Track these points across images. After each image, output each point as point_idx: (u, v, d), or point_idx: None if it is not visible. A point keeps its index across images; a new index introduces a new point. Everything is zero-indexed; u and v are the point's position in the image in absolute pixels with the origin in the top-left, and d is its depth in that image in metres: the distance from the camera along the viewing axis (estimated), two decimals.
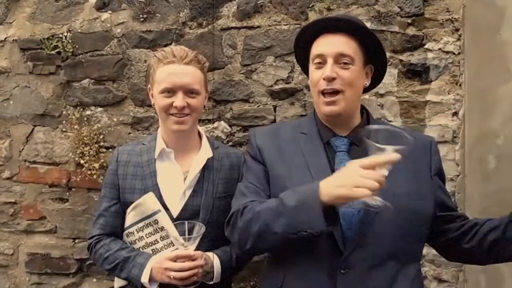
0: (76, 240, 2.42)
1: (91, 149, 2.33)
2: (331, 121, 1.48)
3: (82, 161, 2.33)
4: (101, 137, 2.35)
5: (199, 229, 1.55)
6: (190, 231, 1.55)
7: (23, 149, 2.48)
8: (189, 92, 1.64)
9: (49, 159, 2.44)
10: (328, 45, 1.42)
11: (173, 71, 1.63)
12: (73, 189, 2.42)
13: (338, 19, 1.45)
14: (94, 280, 2.40)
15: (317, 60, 1.44)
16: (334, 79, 1.39)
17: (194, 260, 1.54)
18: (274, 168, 1.47)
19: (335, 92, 1.40)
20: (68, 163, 2.41)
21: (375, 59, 1.49)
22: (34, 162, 2.46)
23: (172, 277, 1.52)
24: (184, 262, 1.53)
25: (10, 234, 2.50)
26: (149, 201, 1.65)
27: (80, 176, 2.37)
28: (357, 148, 1.45)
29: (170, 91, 1.63)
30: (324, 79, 1.40)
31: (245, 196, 1.47)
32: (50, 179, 2.44)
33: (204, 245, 1.62)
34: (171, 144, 1.71)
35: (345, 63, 1.40)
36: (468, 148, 2.03)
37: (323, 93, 1.42)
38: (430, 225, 1.44)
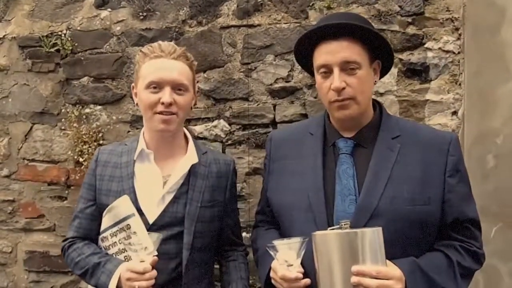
0: None
1: (90, 147, 2.32)
2: (341, 124, 1.46)
3: (81, 159, 2.33)
4: (100, 135, 2.35)
5: (156, 239, 1.46)
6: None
7: (21, 147, 2.47)
8: (177, 88, 1.54)
9: (48, 157, 2.43)
10: (331, 53, 1.37)
11: (160, 65, 1.53)
12: (72, 187, 2.41)
13: (336, 25, 1.38)
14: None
15: (322, 70, 1.40)
16: (343, 88, 1.36)
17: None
18: (276, 176, 1.55)
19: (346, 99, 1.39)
20: (67, 161, 2.41)
21: (379, 52, 1.44)
22: (33, 160, 2.46)
23: (137, 286, 1.41)
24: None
25: (8, 232, 2.49)
26: (123, 204, 1.54)
27: (79, 174, 2.36)
28: (362, 149, 1.44)
29: (157, 86, 1.52)
30: (333, 90, 1.37)
31: (259, 202, 1.68)
32: (49, 177, 2.43)
33: (191, 256, 1.55)
34: (153, 145, 1.60)
35: (352, 69, 1.37)
36: (467, 148, 2.03)
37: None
38: (436, 230, 1.41)
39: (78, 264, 1.58)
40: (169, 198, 1.57)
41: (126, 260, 1.54)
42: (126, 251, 1.54)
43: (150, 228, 1.53)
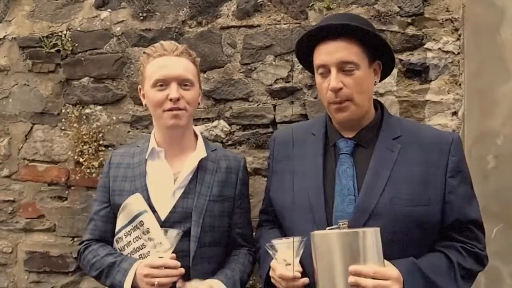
0: (75, 239, 2.41)
1: (90, 147, 2.33)
2: (342, 124, 1.47)
3: (81, 160, 2.33)
4: (100, 135, 2.35)
5: (176, 235, 1.47)
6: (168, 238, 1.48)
7: (22, 147, 2.47)
8: (183, 83, 1.57)
9: (48, 158, 2.44)
10: (329, 54, 1.37)
11: (164, 63, 1.57)
12: (72, 188, 2.42)
13: (334, 26, 1.38)
14: (93, 278, 2.40)
15: (320, 70, 1.41)
16: (340, 89, 1.37)
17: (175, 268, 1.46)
18: (278, 176, 1.56)
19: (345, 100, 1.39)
20: (67, 162, 2.41)
21: (380, 52, 1.44)
22: (33, 161, 2.46)
23: (156, 283, 1.43)
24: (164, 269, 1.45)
25: (8, 233, 2.49)
26: (135, 202, 1.57)
27: (79, 175, 2.37)
28: (363, 149, 1.44)
29: (163, 84, 1.55)
30: (330, 90, 1.38)
31: (263, 201, 1.68)
32: (49, 177, 2.44)
33: (200, 250, 1.55)
34: (164, 143, 1.63)
35: (349, 70, 1.37)
36: (467, 148, 2.03)
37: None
38: (437, 231, 1.41)
39: (94, 266, 1.60)
40: (179, 194, 1.59)
41: (141, 258, 1.55)
42: (141, 249, 1.56)
43: (163, 225, 1.54)
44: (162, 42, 1.65)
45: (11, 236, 2.50)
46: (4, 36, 2.47)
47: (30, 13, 2.45)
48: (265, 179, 2.20)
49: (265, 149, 2.21)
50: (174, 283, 1.48)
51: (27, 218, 2.47)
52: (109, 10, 2.37)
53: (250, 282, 2.21)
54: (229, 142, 2.26)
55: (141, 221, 1.55)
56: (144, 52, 1.65)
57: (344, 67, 1.37)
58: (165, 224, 1.54)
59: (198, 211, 1.57)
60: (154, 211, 1.56)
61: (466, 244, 1.42)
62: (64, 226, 2.42)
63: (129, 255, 1.59)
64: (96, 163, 2.31)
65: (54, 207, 2.44)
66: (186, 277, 1.52)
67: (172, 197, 1.58)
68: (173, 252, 1.47)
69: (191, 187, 1.59)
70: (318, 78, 1.44)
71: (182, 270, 1.46)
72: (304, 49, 1.48)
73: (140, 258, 1.56)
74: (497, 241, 1.98)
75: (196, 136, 1.70)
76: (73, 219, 2.41)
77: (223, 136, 2.26)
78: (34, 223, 2.47)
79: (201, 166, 1.62)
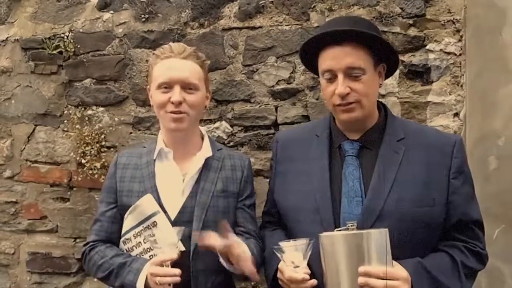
0: (77, 240, 2.42)
1: (92, 148, 2.33)
2: (347, 126, 1.47)
3: (83, 161, 2.33)
4: (102, 136, 2.36)
5: (179, 231, 1.47)
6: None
7: (24, 148, 2.48)
8: (187, 87, 1.56)
9: (50, 159, 2.44)
10: (335, 59, 1.38)
11: (170, 65, 1.57)
12: (74, 189, 2.42)
13: (340, 31, 1.38)
14: (95, 279, 2.39)
15: (326, 75, 1.41)
16: (347, 94, 1.37)
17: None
18: (282, 178, 1.56)
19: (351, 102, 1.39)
20: (69, 163, 2.42)
21: (384, 54, 1.44)
22: (36, 162, 2.47)
23: (157, 282, 1.43)
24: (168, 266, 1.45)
25: (11, 234, 2.50)
26: (146, 203, 1.57)
27: (81, 176, 2.37)
28: (368, 151, 1.44)
29: (167, 86, 1.55)
30: (337, 95, 1.38)
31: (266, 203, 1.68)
32: (51, 178, 2.44)
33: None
34: (170, 144, 1.64)
35: (356, 74, 1.37)
36: (469, 149, 2.03)
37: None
38: (441, 231, 1.42)
39: (101, 267, 1.58)
40: (187, 193, 1.60)
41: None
42: (152, 249, 1.55)
43: (174, 225, 1.54)
44: (171, 43, 1.64)
45: (13, 237, 2.50)
46: (7, 38, 2.48)
47: (33, 14, 2.46)
48: (267, 180, 2.21)
49: (266, 150, 2.22)
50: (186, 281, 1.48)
51: (29, 219, 2.48)
52: (111, 11, 2.38)
53: (252, 283, 2.21)
54: (231, 144, 2.27)
55: (154, 221, 1.55)
56: (153, 53, 1.67)
57: (351, 73, 1.37)
58: (176, 224, 1.54)
59: (201, 206, 1.57)
60: (164, 211, 1.57)
61: (468, 243, 1.43)
62: (66, 227, 2.43)
63: (138, 256, 1.58)
64: (98, 164, 2.31)
65: (56, 208, 2.44)
66: (187, 273, 1.51)
67: (181, 197, 1.59)
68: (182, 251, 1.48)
69: (197, 185, 1.61)
70: (323, 81, 1.44)
71: (174, 256, 1.45)
72: (308, 52, 1.48)
73: (150, 258, 1.55)
74: (498, 242, 1.98)
75: (203, 136, 1.71)
76: (75, 220, 2.42)
77: (225, 137, 2.27)
78: (36, 224, 2.48)
79: (206, 165, 1.63)
